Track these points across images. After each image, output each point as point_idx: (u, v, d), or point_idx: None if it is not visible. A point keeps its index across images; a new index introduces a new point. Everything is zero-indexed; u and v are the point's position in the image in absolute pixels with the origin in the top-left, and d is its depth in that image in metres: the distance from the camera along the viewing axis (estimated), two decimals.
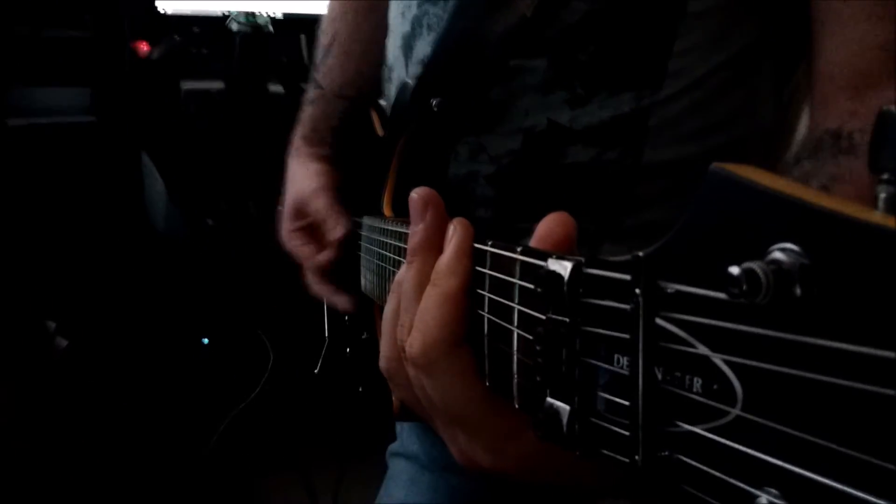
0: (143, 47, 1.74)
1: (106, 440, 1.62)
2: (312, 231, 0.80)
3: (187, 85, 1.76)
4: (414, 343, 0.37)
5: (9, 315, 1.48)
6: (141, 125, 1.78)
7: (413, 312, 0.38)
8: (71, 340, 1.60)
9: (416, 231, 0.40)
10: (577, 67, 0.56)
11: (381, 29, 0.76)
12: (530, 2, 0.55)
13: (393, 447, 0.82)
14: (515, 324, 0.36)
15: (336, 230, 0.75)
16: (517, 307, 0.36)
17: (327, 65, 0.86)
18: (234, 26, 1.58)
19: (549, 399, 0.32)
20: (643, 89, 0.55)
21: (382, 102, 0.80)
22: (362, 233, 0.71)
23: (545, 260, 0.32)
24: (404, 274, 0.40)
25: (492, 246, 0.39)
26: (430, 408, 0.40)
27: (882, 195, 0.21)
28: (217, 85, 1.74)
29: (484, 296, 0.37)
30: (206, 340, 1.85)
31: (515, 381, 0.37)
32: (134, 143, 1.79)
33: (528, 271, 0.35)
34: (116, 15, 1.72)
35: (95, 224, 1.77)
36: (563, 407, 0.31)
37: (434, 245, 0.39)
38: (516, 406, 0.37)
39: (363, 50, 0.85)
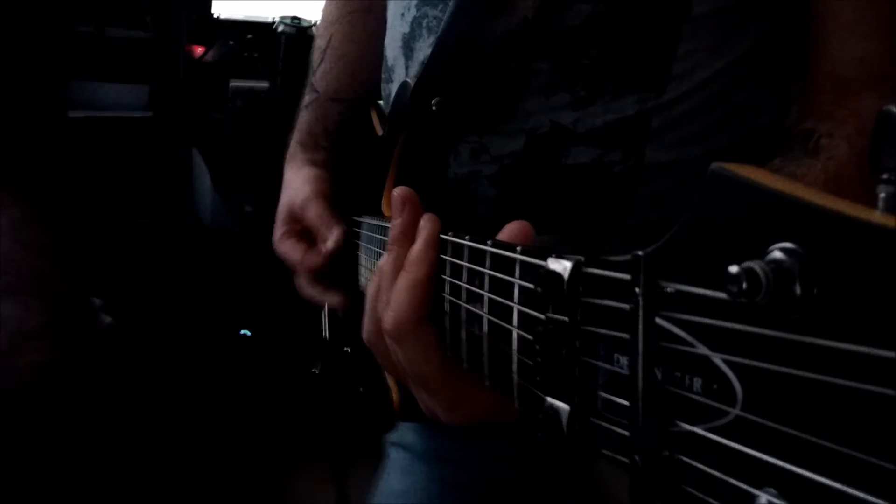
0: (199, 50, 1.87)
1: (138, 422, 1.66)
2: (304, 235, 0.79)
3: (235, 83, 1.88)
4: (388, 319, 0.44)
5: (60, 288, 1.52)
6: (193, 122, 1.89)
7: (390, 292, 0.45)
8: (116, 319, 1.64)
9: (395, 224, 0.46)
10: (581, 70, 0.55)
11: (378, 32, 0.76)
12: (531, 3, 0.55)
13: (391, 437, 0.82)
14: (515, 324, 0.36)
15: (330, 239, 0.74)
16: (517, 307, 0.36)
17: (322, 69, 0.86)
18: (281, 27, 1.76)
19: (548, 399, 0.32)
20: (647, 92, 0.55)
21: (380, 103, 0.80)
22: (362, 231, 0.71)
23: (545, 259, 0.32)
24: (385, 260, 0.47)
25: (492, 245, 0.39)
26: (402, 372, 0.47)
27: (882, 195, 0.21)
28: (263, 85, 1.87)
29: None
30: (247, 332, 1.91)
31: (515, 381, 0.37)
32: (186, 138, 1.90)
33: (528, 271, 0.35)
34: (175, 18, 1.83)
35: (146, 213, 1.87)
36: (563, 407, 0.31)
37: (409, 236, 0.46)
38: (516, 406, 0.37)
39: (358, 53, 0.84)
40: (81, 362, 1.44)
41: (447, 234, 0.44)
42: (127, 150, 1.83)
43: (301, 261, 0.78)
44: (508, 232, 0.42)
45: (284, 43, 1.78)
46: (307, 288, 0.80)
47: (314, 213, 0.77)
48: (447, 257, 0.44)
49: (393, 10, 0.71)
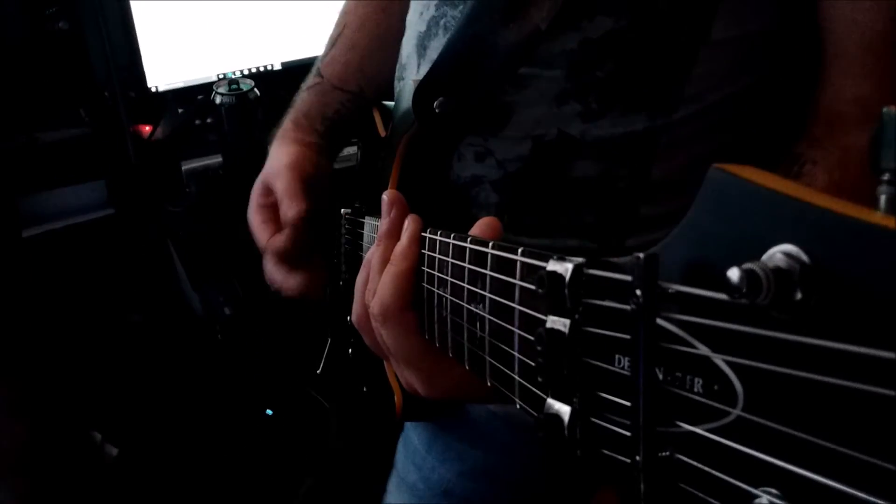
0: (146, 129, 1.69)
1: None
2: (274, 210, 0.77)
3: (187, 165, 1.69)
4: (375, 305, 0.50)
5: (53, 432, 1.46)
6: (157, 209, 1.71)
7: (377, 282, 0.51)
8: (120, 447, 1.55)
9: (383, 223, 0.52)
10: (594, 83, 0.55)
11: (393, 31, 0.76)
12: (546, 15, 0.55)
13: (389, 490, 0.82)
14: (516, 325, 0.36)
15: (290, 211, 0.72)
16: (518, 308, 0.36)
17: (330, 55, 0.85)
18: (218, 99, 1.52)
19: (550, 399, 0.32)
20: (657, 111, 0.55)
21: (391, 103, 0.80)
22: (364, 232, 0.71)
23: (546, 261, 0.32)
24: (373, 253, 0.53)
25: (493, 248, 0.39)
26: (387, 351, 0.52)
27: (882, 196, 0.21)
28: (216, 160, 1.69)
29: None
30: (269, 412, 1.75)
31: (517, 381, 0.37)
32: (157, 228, 1.73)
33: (530, 272, 0.35)
34: (111, 105, 1.64)
35: (136, 313, 1.72)
36: (564, 408, 0.31)
37: (395, 234, 0.51)
38: (517, 407, 0.37)
39: (369, 47, 0.84)
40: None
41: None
42: (97, 254, 1.66)
43: (266, 242, 0.77)
44: (479, 227, 0.47)
45: (226, 115, 1.54)
46: (272, 270, 0.78)
47: (281, 185, 0.75)
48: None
49: (413, 9, 0.70)
